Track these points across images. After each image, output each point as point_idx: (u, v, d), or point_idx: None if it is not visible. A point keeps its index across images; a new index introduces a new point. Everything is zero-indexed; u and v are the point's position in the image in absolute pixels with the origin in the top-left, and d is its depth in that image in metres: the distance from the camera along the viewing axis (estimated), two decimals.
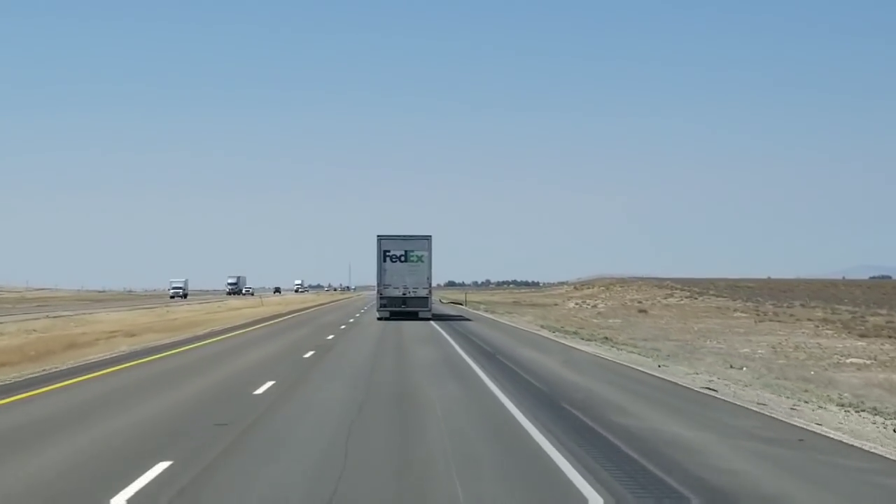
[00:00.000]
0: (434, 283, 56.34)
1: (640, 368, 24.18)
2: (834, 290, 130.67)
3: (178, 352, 29.73)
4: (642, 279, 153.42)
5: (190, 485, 10.01)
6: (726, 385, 20.73)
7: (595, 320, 64.38)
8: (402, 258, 52.46)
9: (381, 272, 52.48)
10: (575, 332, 42.79)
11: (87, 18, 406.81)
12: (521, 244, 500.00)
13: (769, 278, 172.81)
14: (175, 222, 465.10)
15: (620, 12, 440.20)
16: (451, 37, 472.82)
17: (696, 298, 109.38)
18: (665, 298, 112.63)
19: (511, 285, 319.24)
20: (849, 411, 17.39)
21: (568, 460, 11.30)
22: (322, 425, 14.01)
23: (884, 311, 76.07)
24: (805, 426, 14.63)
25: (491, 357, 27.34)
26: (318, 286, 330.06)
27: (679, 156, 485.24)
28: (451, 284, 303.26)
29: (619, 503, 9.43)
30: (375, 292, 54.43)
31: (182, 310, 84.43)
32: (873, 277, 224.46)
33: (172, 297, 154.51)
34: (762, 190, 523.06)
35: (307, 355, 27.50)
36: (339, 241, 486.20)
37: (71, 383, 19.99)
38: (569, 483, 10.18)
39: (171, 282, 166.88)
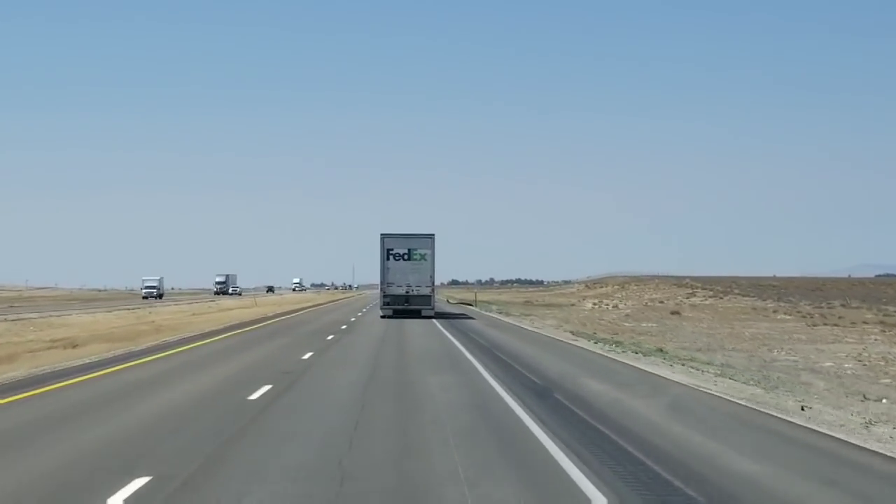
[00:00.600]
0: (437, 282, 56.81)
1: (788, 419, 15.16)
2: (862, 288, 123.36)
3: (74, 382, 19.84)
4: (658, 277, 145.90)
5: None
6: None
7: (627, 324, 56.95)
8: (406, 256, 52.22)
9: (384, 270, 52.16)
10: (617, 342, 35.13)
11: (83, 18, 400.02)
12: (523, 242, 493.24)
13: (774, 276, 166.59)
14: (177, 221, 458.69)
15: (627, 10, 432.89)
16: (455, 35, 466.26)
17: (721, 298, 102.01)
18: (688, 298, 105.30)
19: (515, 284, 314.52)
20: None
21: None
22: None
23: None
24: None
25: (546, 397, 17.54)
26: (322, 285, 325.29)
27: (679, 155, 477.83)
28: (454, 283, 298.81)
29: None
30: (379, 290, 54.25)
31: (167, 311, 77.42)
32: (879, 276, 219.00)
33: (145, 297, 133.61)
34: (764, 188, 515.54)
35: (255, 396, 17.25)
36: (344, 240, 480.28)
37: None
38: None
39: (144, 280, 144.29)
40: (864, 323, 57.88)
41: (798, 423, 14.81)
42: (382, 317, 51.92)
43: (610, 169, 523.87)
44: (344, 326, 45.43)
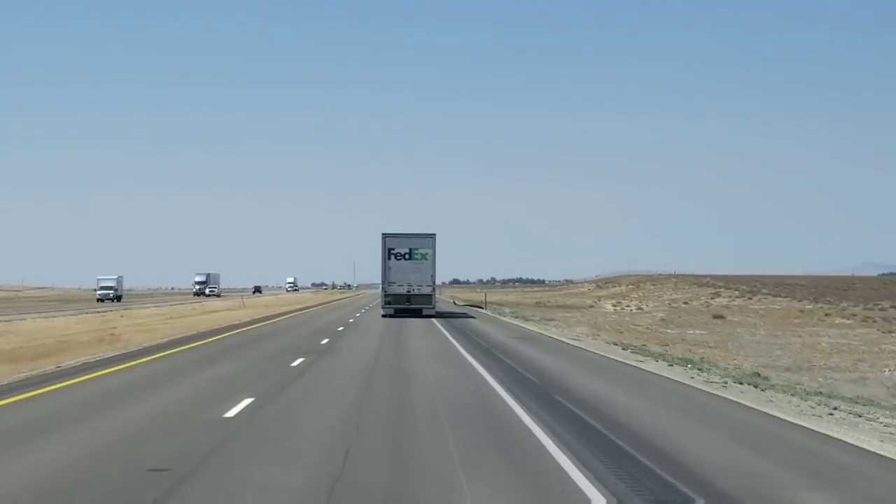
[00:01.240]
0: (438, 281, 57.60)
1: None
2: (888, 288, 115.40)
3: None
4: (675, 276, 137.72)
5: None
6: None
7: (670, 331, 48.90)
8: (407, 256, 52.54)
9: (385, 270, 52.43)
10: (687, 360, 26.24)
11: (82, 18, 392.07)
12: (524, 242, 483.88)
13: (779, 275, 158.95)
14: (178, 221, 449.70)
15: (629, 9, 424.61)
16: (456, 34, 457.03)
17: (750, 298, 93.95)
18: (713, 299, 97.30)
19: (517, 283, 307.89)
20: None
21: None
22: None
23: None
24: None
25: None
26: (322, 284, 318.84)
27: (679, 154, 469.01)
28: (455, 282, 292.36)
29: None
30: (380, 290, 55.44)
31: (143, 314, 69.52)
32: (882, 275, 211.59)
33: (100, 300, 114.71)
34: (765, 186, 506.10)
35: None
36: (345, 240, 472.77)
37: None
38: None
39: (99, 280, 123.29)
40: None
41: None
42: (384, 316, 51.94)
43: (610, 169, 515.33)
44: (325, 341, 33.55)
